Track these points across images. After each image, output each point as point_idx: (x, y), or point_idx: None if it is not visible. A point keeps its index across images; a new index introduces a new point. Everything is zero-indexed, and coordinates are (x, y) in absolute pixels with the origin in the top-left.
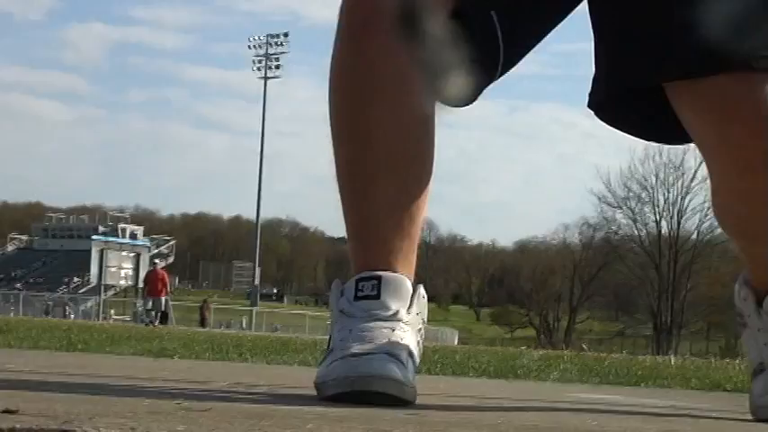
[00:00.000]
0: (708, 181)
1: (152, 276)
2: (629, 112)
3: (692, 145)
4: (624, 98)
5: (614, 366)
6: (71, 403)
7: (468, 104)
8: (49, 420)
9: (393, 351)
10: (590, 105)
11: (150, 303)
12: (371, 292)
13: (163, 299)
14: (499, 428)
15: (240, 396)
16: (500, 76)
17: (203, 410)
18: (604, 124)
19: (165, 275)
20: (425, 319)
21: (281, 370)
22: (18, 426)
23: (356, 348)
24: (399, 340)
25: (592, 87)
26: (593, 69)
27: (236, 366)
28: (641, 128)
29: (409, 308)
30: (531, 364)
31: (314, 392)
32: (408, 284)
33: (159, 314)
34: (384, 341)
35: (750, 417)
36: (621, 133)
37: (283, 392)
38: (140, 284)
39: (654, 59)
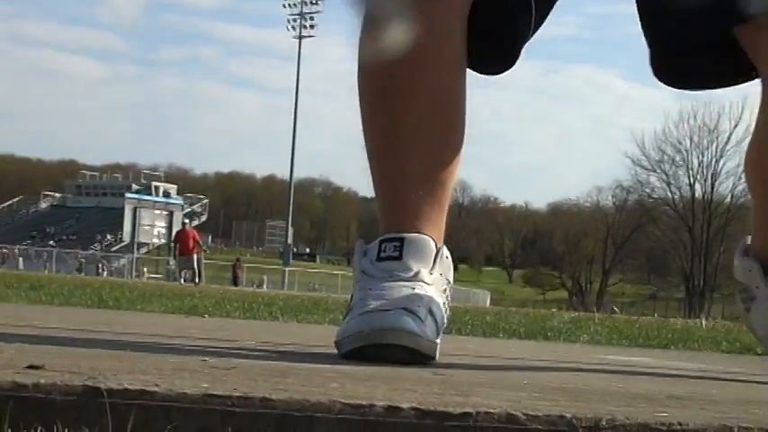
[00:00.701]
0: (742, 144)
1: (183, 236)
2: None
3: (728, 107)
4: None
5: (644, 329)
6: (97, 359)
7: (508, 69)
8: (74, 376)
9: (409, 306)
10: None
11: (182, 262)
12: (393, 253)
13: (194, 257)
14: (523, 389)
15: (267, 354)
16: (532, 35)
17: (228, 368)
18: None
19: (196, 234)
20: (450, 280)
21: (310, 329)
22: (42, 381)
23: (373, 305)
24: (418, 297)
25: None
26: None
27: (267, 325)
28: (705, 78)
29: (432, 268)
30: (562, 326)
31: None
32: (432, 245)
33: (197, 272)
34: (401, 297)
35: None
36: (656, 96)
37: (310, 351)
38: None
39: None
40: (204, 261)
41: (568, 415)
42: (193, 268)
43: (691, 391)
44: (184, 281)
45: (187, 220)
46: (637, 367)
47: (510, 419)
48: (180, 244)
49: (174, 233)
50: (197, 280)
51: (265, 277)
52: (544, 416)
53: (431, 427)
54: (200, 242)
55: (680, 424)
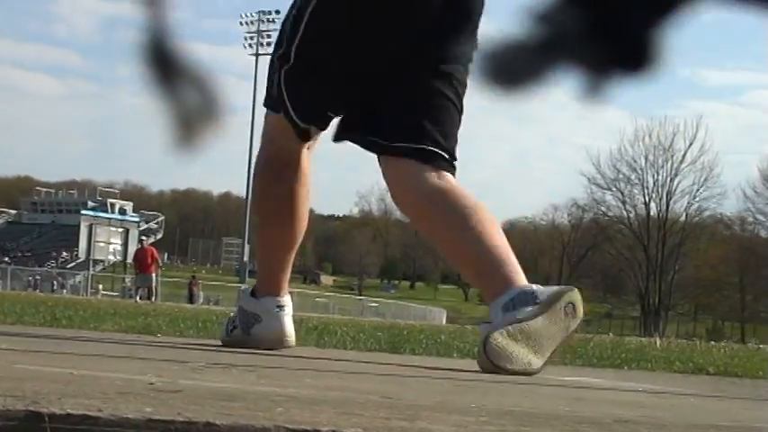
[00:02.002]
0: (696, 164)
1: (141, 254)
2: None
3: (683, 126)
4: None
5: (599, 348)
6: (41, 382)
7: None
8: (17, 401)
9: None
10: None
11: (141, 280)
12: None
13: (153, 275)
14: (470, 413)
15: (216, 377)
16: None
17: (175, 391)
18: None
19: (155, 251)
20: None
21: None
22: None
23: None
24: None
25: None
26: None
27: (218, 344)
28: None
29: None
30: None
31: (293, 373)
32: None
33: (150, 290)
34: None
35: (727, 399)
36: (611, 115)
37: (261, 372)
38: (129, 261)
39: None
40: (160, 278)
41: None
42: (150, 286)
43: (639, 414)
44: (140, 299)
45: (144, 238)
46: (588, 389)
47: None
48: (138, 262)
49: (129, 250)
50: (153, 298)
51: (220, 296)
52: None
53: None
54: (158, 260)
55: None
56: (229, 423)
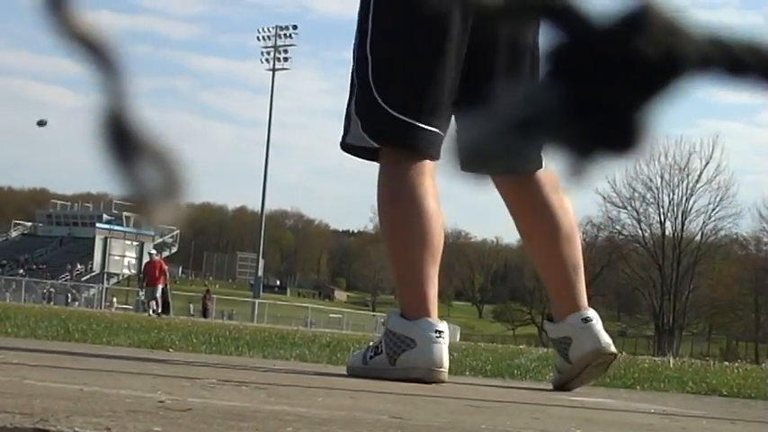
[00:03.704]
0: (712, 183)
1: (150, 266)
2: None
3: (699, 146)
4: None
5: (611, 367)
6: (51, 399)
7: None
8: (25, 418)
9: None
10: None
11: (150, 293)
12: None
13: (159, 287)
14: None
15: (226, 394)
16: None
17: (184, 410)
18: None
19: (164, 265)
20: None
21: (274, 365)
22: None
23: None
24: None
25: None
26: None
27: (231, 360)
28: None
29: None
30: (529, 364)
31: (303, 391)
32: None
33: (160, 303)
34: None
35: (739, 422)
36: None
37: (271, 390)
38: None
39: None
40: (173, 292)
41: None
42: (156, 299)
43: None
44: (153, 312)
45: (154, 251)
46: (599, 410)
47: None
48: (147, 275)
49: (143, 264)
50: (159, 310)
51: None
52: None
53: None
54: (167, 273)
55: None
56: None
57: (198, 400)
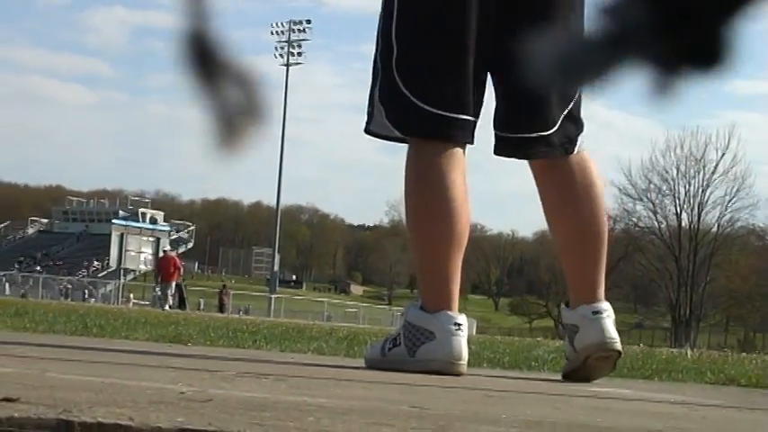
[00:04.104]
0: (729, 174)
1: (164, 262)
2: None
3: (715, 137)
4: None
5: (629, 359)
6: (73, 391)
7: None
8: (48, 409)
9: None
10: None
11: (164, 288)
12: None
13: (173, 283)
14: (501, 423)
15: (246, 386)
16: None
17: (205, 401)
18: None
19: (177, 260)
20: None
21: (293, 358)
22: (16, 415)
23: None
24: None
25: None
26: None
27: (249, 353)
28: None
29: None
30: (547, 356)
31: (323, 382)
32: None
33: (175, 298)
34: None
35: (759, 411)
36: (641, 124)
37: (291, 382)
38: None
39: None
40: (190, 288)
41: None
42: (167, 294)
43: (670, 425)
44: (170, 307)
45: (168, 247)
46: (618, 399)
47: None
48: (161, 270)
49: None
50: (171, 303)
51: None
52: None
53: None
54: (181, 269)
55: None
56: None
57: (219, 392)
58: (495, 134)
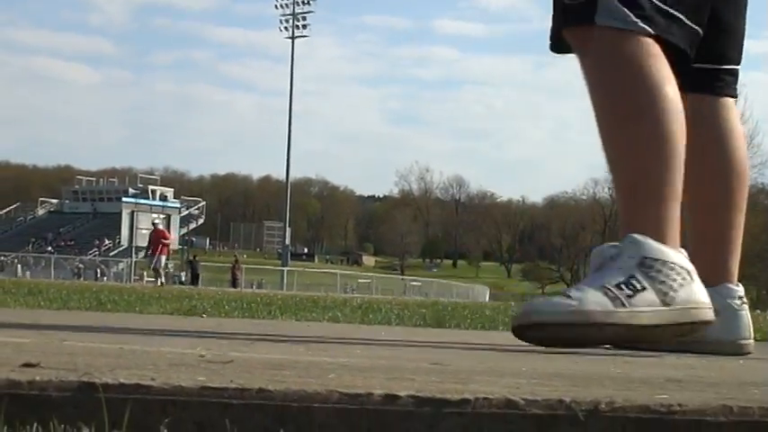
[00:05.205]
0: None
1: (153, 236)
2: None
3: None
4: None
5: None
6: (92, 357)
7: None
8: (70, 373)
9: None
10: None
11: (153, 261)
12: None
13: (163, 258)
14: (522, 376)
15: (264, 349)
16: None
17: (225, 362)
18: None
19: (165, 233)
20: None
21: (309, 327)
22: (38, 378)
23: None
24: None
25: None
26: None
27: (264, 323)
28: None
29: None
30: None
31: (342, 344)
32: None
33: (161, 273)
34: None
35: None
36: None
37: (309, 345)
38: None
39: None
40: (202, 263)
41: (567, 399)
42: (158, 269)
43: (689, 374)
44: (161, 283)
45: (158, 220)
46: (634, 354)
47: (509, 405)
48: (153, 245)
49: (172, 236)
50: (163, 279)
51: (263, 279)
52: (543, 400)
53: (429, 415)
54: (168, 241)
55: (680, 405)
56: (282, 389)
57: (238, 354)
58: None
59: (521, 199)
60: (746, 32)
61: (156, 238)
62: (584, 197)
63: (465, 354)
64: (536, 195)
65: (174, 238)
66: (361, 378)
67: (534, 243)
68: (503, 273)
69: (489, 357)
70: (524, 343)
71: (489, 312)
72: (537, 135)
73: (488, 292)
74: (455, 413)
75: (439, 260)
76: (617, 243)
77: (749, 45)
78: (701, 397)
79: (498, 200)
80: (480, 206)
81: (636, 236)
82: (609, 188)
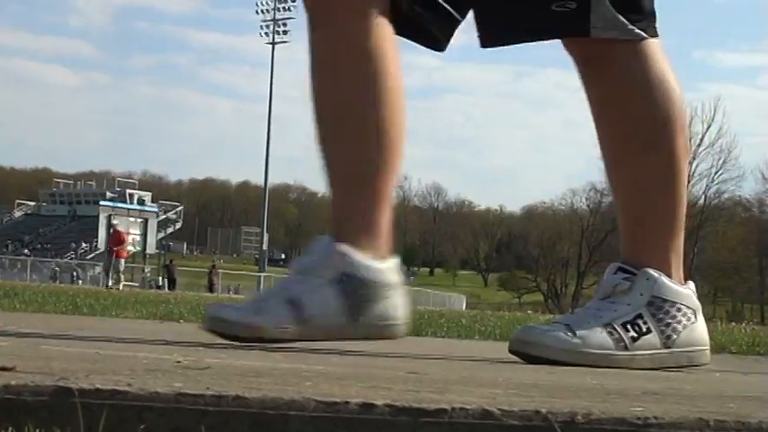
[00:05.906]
0: (714, 146)
1: (112, 238)
2: None
3: (700, 110)
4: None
5: None
6: (68, 361)
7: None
8: (45, 377)
9: None
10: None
11: (116, 265)
12: None
13: (122, 261)
14: (498, 386)
15: (241, 357)
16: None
17: (202, 368)
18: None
19: (123, 235)
20: None
21: None
22: (13, 382)
23: None
24: None
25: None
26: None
27: None
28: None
29: None
30: None
31: (318, 352)
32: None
33: (116, 275)
34: None
35: (753, 374)
36: None
37: (286, 352)
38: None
39: None
40: (179, 268)
41: (544, 410)
42: (118, 270)
43: (666, 386)
44: (120, 286)
45: (116, 221)
46: (612, 367)
47: (485, 415)
48: (113, 245)
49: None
50: (110, 282)
51: (240, 284)
52: (520, 411)
53: (405, 424)
54: (125, 243)
55: (656, 418)
56: (259, 397)
57: (215, 361)
58: None
59: (498, 208)
60: (725, 46)
61: (116, 240)
62: (562, 207)
63: (442, 363)
64: (514, 205)
65: (150, 242)
66: (338, 386)
67: (511, 252)
68: (480, 281)
69: (466, 367)
70: (504, 354)
71: (466, 321)
72: (516, 144)
73: (465, 301)
74: (432, 422)
75: (416, 268)
76: (630, 274)
77: (725, 58)
78: (677, 410)
79: (476, 208)
80: (458, 215)
81: (651, 272)
82: (586, 198)
